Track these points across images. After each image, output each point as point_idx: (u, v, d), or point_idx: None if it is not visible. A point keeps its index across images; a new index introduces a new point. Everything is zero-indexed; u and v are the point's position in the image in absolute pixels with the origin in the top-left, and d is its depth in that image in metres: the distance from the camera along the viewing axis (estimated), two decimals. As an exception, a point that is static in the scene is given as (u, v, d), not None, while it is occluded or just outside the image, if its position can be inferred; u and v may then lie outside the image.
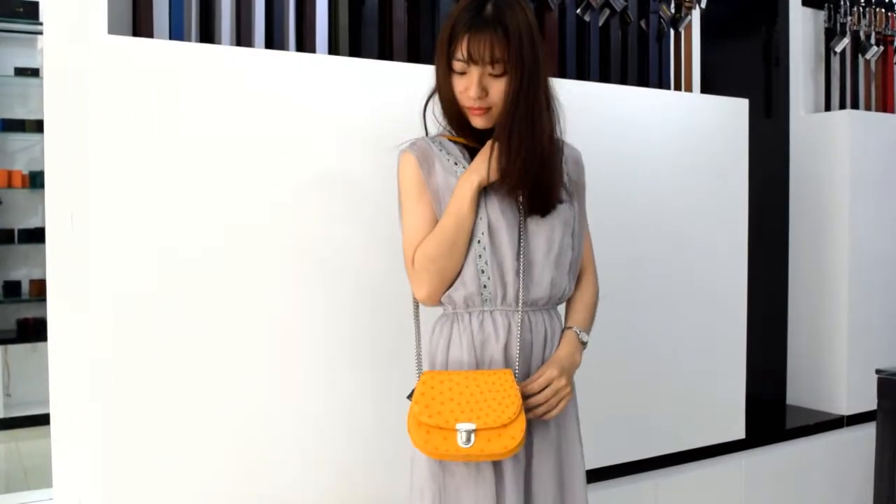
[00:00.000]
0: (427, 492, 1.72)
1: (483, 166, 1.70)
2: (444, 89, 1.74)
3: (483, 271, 1.71)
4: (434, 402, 1.63)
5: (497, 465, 1.70)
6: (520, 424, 1.60)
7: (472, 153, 1.77)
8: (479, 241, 1.71)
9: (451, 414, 1.61)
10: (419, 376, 1.71)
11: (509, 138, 1.69)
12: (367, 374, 2.13)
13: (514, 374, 1.68)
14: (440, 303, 1.76)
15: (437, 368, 1.75)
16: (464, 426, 1.59)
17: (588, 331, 1.87)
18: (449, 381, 1.66)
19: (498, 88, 1.69)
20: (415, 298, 1.78)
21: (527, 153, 1.69)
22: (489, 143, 1.72)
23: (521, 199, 1.73)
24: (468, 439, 1.59)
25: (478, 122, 1.73)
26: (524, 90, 1.68)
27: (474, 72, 1.67)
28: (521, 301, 1.74)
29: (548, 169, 1.74)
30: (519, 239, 1.73)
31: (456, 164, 1.75)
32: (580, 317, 1.87)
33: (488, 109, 1.70)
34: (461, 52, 1.66)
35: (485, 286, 1.72)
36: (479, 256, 1.71)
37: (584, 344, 1.84)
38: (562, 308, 1.88)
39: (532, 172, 1.71)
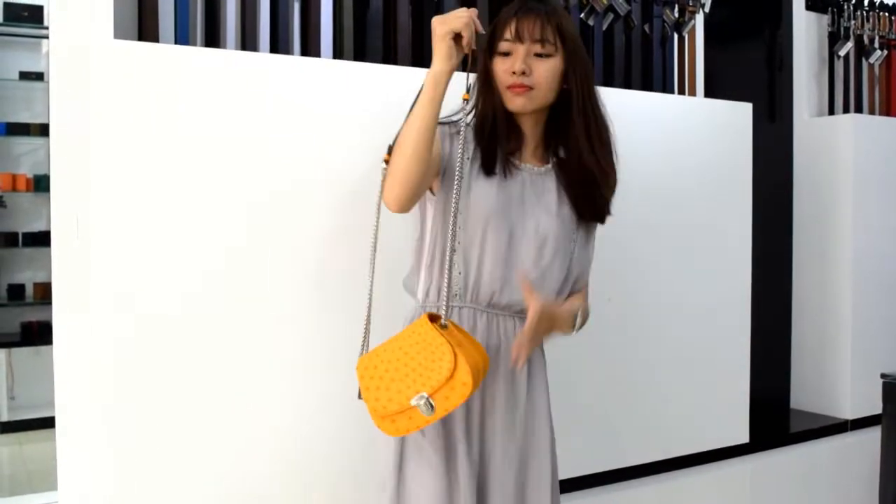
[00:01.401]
0: (389, 483, 1.74)
1: (450, 56, 1.64)
2: (483, 87, 1.75)
3: (456, 264, 1.71)
4: (380, 391, 1.60)
5: (451, 462, 1.70)
6: (463, 367, 1.56)
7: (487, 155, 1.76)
8: (453, 232, 1.67)
9: (400, 394, 1.59)
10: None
11: (568, 112, 1.73)
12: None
13: (435, 312, 1.66)
14: (407, 209, 1.70)
15: None
16: (417, 400, 1.57)
17: (583, 319, 1.84)
18: (381, 363, 1.62)
19: (544, 68, 1.71)
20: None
21: (586, 126, 1.75)
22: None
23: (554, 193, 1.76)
24: (429, 406, 1.57)
25: (517, 101, 1.72)
26: (576, 74, 1.72)
27: (520, 49, 1.70)
28: (492, 301, 1.74)
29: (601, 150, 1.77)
30: (509, 239, 1.73)
31: (466, 157, 1.73)
32: (584, 304, 1.86)
33: (530, 89, 1.70)
34: (509, 32, 1.70)
35: (451, 283, 1.71)
36: (453, 249, 1.69)
37: (574, 325, 1.81)
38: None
39: (587, 149, 1.75)
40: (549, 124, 1.81)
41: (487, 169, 1.74)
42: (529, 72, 1.69)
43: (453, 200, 1.65)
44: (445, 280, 1.66)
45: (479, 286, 1.73)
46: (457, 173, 1.66)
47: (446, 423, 1.71)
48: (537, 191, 1.78)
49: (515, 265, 1.74)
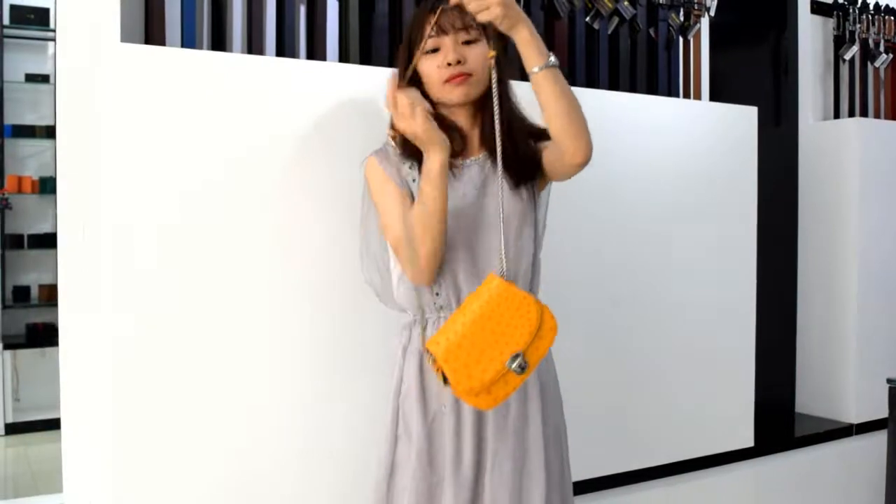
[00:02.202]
0: (381, 484, 1.74)
1: (444, 142, 1.64)
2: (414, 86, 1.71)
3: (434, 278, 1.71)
4: (473, 366, 1.57)
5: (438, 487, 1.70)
6: (547, 311, 1.60)
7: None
8: None
9: (494, 360, 1.57)
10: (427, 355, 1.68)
11: (501, 102, 1.67)
12: (366, 376, 2.12)
13: (502, 273, 1.63)
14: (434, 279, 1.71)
15: (402, 383, 1.75)
16: (511, 361, 1.57)
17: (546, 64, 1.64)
18: (464, 340, 1.59)
19: (476, 52, 1.68)
20: None
21: (514, 119, 1.72)
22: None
23: (491, 173, 1.73)
24: (522, 366, 1.57)
25: (458, 92, 1.69)
26: (503, 54, 1.70)
27: (447, 41, 1.67)
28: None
29: (524, 139, 1.74)
30: (475, 236, 1.72)
31: (411, 167, 1.73)
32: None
33: (469, 76, 1.68)
34: (430, 28, 1.65)
35: (437, 294, 1.72)
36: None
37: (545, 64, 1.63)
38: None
39: (517, 141, 1.71)
40: (483, 111, 1.76)
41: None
42: (464, 60, 1.67)
43: None
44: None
45: (459, 291, 1.72)
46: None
47: (437, 437, 1.72)
48: (487, 179, 1.75)
49: (486, 259, 1.72)
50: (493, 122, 1.67)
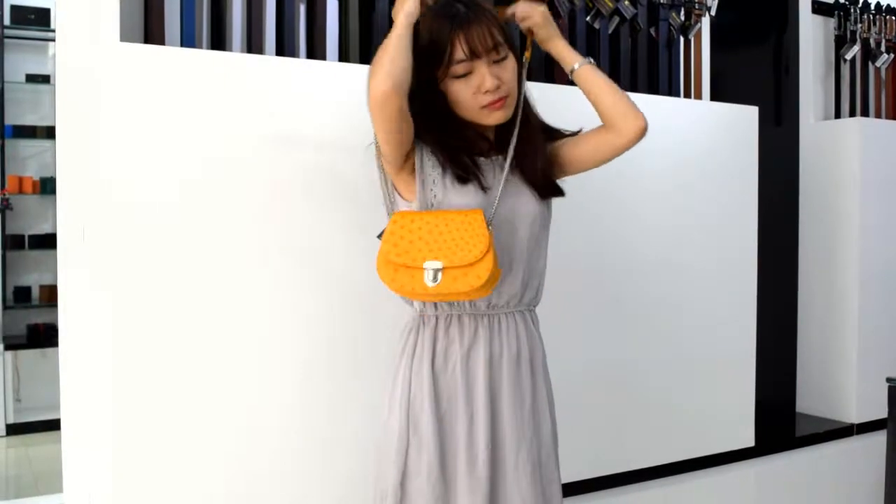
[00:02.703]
0: (396, 490, 1.70)
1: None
2: (434, 101, 1.69)
3: None
4: (402, 241, 1.62)
5: (452, 486, 1.69)
6: (486, 263, 1.59)
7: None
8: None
9: (419, 253, 1.61)
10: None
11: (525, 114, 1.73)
12: (367, 376, 2.12)
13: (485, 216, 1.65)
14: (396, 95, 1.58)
15: (410, 387, 1.73)
16: (431, 264, 1.60)
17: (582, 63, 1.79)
18: (419, 221, 1.64)
19: (508, 70, 1.68)
20: None
21: (535, 126, 1.76)
22: None
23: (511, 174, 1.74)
24: (434, 277, 1.59)
25: (497, 115, 1.69)
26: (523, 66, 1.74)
27: (480, 65, 1.65)
28: (491, 303, 1.73)
29: (543, 147, 1.77)
30: (497, 236, 1.70)
31: (433, 167, 1.72)
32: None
33: (506, 97, 1.68)
34: (461, 51, 1.63)
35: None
36: None
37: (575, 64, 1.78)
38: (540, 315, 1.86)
39: (537, 146, 1.74)
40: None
41: (462, 179, 1.71)
42: (501, 82, 1.66)
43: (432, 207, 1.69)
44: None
45: None
46: (432, 182, 1.69)
47: (449, 439, 1.71)
48: (511, 178, 1.75)
49: (504, 260, 1.72)
50: (514, 123, 1.72)
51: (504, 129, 1.75)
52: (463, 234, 1.61)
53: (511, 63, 1.69)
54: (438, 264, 1.59)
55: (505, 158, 1.73)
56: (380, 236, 1.67)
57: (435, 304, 1.72)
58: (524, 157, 1.75)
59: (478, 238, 1.60)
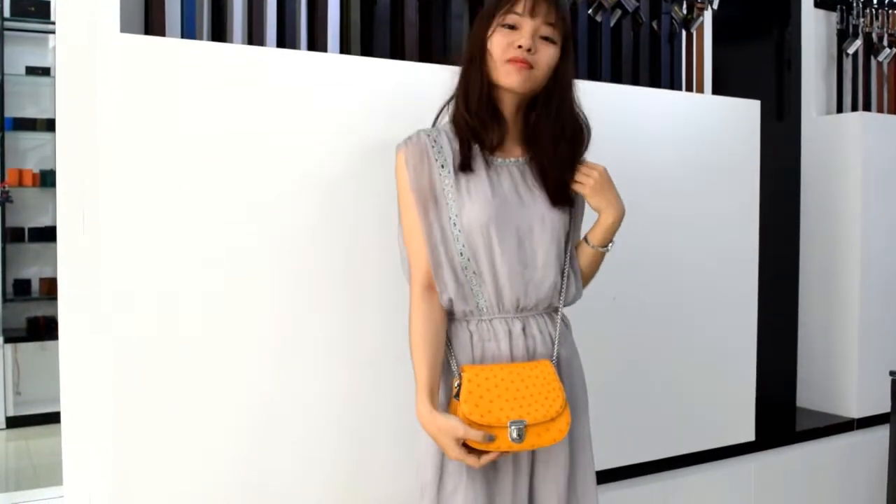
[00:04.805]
0: (427, 492, 1.73)
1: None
2: (477, 57, 1.71)
3: (472, 280, 1.71)
4: (483, 401, 1.63)
5: (492, 471, 1.71)
6: (566, 417, 1.65)
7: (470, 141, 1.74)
8: (461, 252, 1.70)
9: (502, 412, 1.62)
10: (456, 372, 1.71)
11: (548, 103, 1.73)
12: (366, 374, 2.12)
13: (552, 362, 1.70)
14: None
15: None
16: (516, 424, 1.61)
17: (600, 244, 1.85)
18: (494, 378, 1.65)
19: (546, 52, 1.69)
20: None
21: (561, 124, 1.74)
22: None
23: (530, 181, 1.75)
24: (520, 435, 1.61)
25: (515, 77, 1.67)
26: (568, 68, 1.73)
27: (529, 25, 1.67)
28: (520, 306, 1.74)
29: (570, 149, 1.76)
30: (518, 238, 1.72)
31: (443, 166, 1.72)
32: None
33: (531, 68, 1.68)
34: (522, 5, 1.66)
35: (478, 303, 1.73)
36: (465, 268, 1.71)
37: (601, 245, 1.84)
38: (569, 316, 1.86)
39: (559, 146, 1.74)
40: (527, 114, 1.78)
41: (469, 167, 1.72)
42: (535, 51, 1.67)
43: (450, 222, 1.71)
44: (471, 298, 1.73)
45: (501, 296, 1.72)
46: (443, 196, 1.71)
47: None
48: (528, 182, 1.76)
49: (532, 263, 1.73)
50: (539, 124, 1.74)
51: (531, 130, 1.77)
52: (540, 388, 1.65)
53: (554, 52, 1.70)
54: (523, 423, 1.62)
55: (525, 162, 1.77)
56: (457, 396, 1.66)
57: (465, 301, 1.73)
58: (542, 158, 1.76)
59: (554, 393, 1.65)
